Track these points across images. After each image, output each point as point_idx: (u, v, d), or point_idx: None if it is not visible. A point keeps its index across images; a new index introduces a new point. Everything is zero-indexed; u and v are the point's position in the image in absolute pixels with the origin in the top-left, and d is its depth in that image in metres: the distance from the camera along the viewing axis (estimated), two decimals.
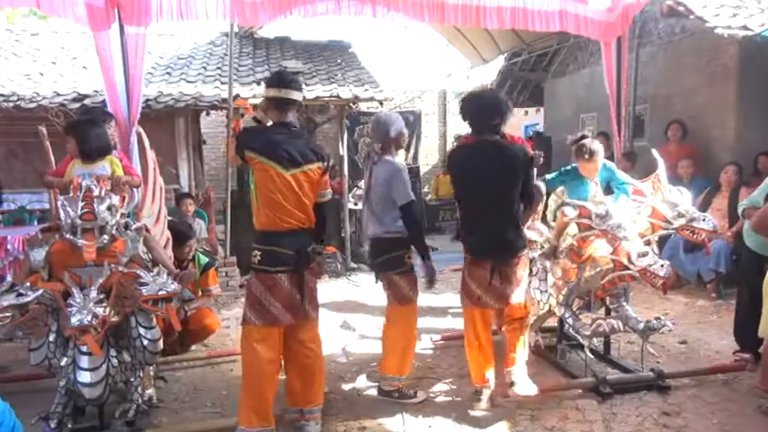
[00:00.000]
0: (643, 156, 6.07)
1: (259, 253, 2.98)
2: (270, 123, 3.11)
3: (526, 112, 13.07)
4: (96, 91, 6.67)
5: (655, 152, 4.05)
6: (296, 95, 3.05)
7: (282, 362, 3.16)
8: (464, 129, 5.61)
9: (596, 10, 5.67)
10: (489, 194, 3.21)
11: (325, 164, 3.11)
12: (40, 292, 2.84)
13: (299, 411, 3.17)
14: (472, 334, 3.42)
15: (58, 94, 6.89)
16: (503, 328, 3.59)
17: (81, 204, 3.00)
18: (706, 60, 6.51)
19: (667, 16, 6.58)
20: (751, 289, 3.63)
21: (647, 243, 3.57)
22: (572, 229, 3.76)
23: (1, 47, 8.45)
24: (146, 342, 3.05)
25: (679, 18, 6.58)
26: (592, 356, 3.88)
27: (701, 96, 6.59)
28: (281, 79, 3.07)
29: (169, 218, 4.55)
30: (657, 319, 3.67)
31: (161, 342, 3.15)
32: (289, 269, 2.98)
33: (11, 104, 6.56)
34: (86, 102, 6.56)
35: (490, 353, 3.43)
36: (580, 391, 3.57)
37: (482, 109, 3.25)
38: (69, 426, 3.04)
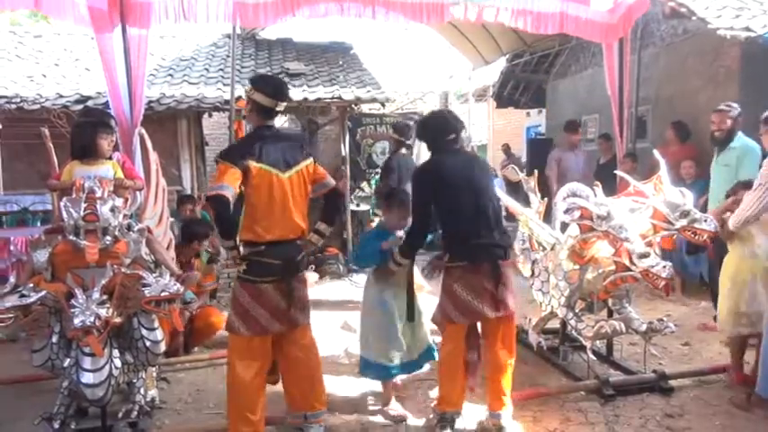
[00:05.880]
0: (645, 157, 6.06)
1: (245, 263, 2.92)
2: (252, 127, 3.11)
3: (528, 114, 13.08)
4: (99, 92, 6.69)
5: (656, 152, 4.05)
6: (284, 105, 3.02)
7: (280, 372, 3.14)
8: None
9: (598, 11, 5.67)
10: (475, 196, 3.06)
11: (312, 159, 3.09)
12: (43, 293, 2.85)
13: (302, 416, 3.12)
14: (458, 351, 3.12)
15: (61, 96, 6.91)
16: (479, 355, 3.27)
17: (84, 206, 3.00)
18: (708, 62, 6.50)
19: (669, 18, 6.57)
20: None
21: (649, 244, 3.57)
22: (573, 230, 3.76)
23: (4, 49, 8.47)
24: (148, 343, 3.05)
25: (681, 19, 6.57)
26: (594, 358, 3.87)
27: (704, 98, 6.58)
28: (275, 89, 3.00)
29: (171, 219, 4.57)
30: (660, 320, 3.67)
31: (163, 343, 3.15)
32: (275, 279, 2.93)
33: (14, 106, 6.60)
34: (89, 103, 6.57)
35: (465, 375, 3.18)
36: (582, 392, 3.57)
37: (436, 127, 3.23)
38: (72, 426, 3.05)
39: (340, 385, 3.84)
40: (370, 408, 3.52)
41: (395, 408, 3.39)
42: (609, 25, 5.73)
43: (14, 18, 13.56)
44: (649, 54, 7.32)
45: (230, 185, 2.79)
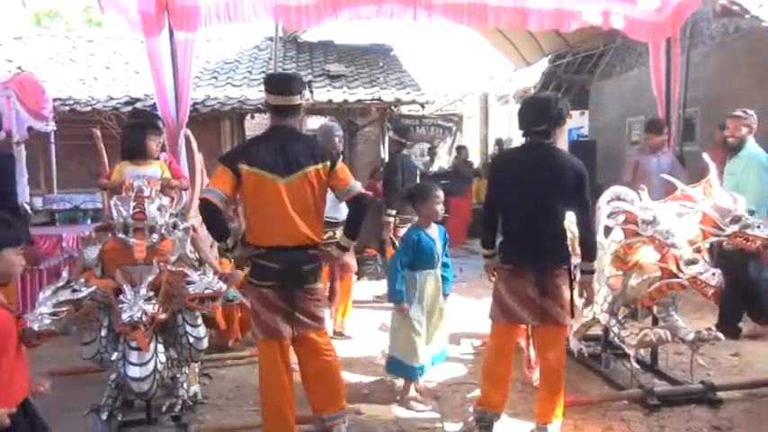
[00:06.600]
0: (693, 160, 5.86)
1: (250, 265, 2.94)
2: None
3: (570, 116, 12.83)
4: (147, 95, 6.91)
5: (706, 156, 3.92)
6: (296, 100, 2.89)
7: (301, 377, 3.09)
8: (504, 132, 5.59)
9: (645, 10, 5.53)
10: (533, 199, 2.96)
11: (329, 163, 2.86)
12: (93, 288, 2.93)
13: (322, 419, 3.03)
14: (500, 351, 3.08)
15: (112, 98, 7.18)
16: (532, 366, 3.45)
17: (132, 204, 3.10)
18: (761, 61, 6.26)
19: (720, 16, 6.35)
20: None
21: (698, 250, 3.46)
22: (617, 234, 3.68)
23: (59, 53, 8.84)
24: (191, 340, 3.13)
25: (732, 17, 6.35)
26: (638, 367, 3.77)
27: (756, 98, 6.32)
28: (275, 86, 2.91)
29: None
30: (708, 329, 3.55)
31: (206, 340, 3.23)
32: (275, 284, 2.84)
33: (67, 108, 6.88)
34: (137, 105, 6.79)
35: (509, 377, 3.15)
36: (626, 402, 3.48)
37: (529, 112, 3.08)
38: (119, 418, 3.14)
39: (377, 385, 3.85)
40: (407, 407, 3.52)
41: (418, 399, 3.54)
42: (656, 24, 5.58)
43: (70, 24, 14.14)
44: (698, 53, 7.10)
45: (220, 189, 2.76)
